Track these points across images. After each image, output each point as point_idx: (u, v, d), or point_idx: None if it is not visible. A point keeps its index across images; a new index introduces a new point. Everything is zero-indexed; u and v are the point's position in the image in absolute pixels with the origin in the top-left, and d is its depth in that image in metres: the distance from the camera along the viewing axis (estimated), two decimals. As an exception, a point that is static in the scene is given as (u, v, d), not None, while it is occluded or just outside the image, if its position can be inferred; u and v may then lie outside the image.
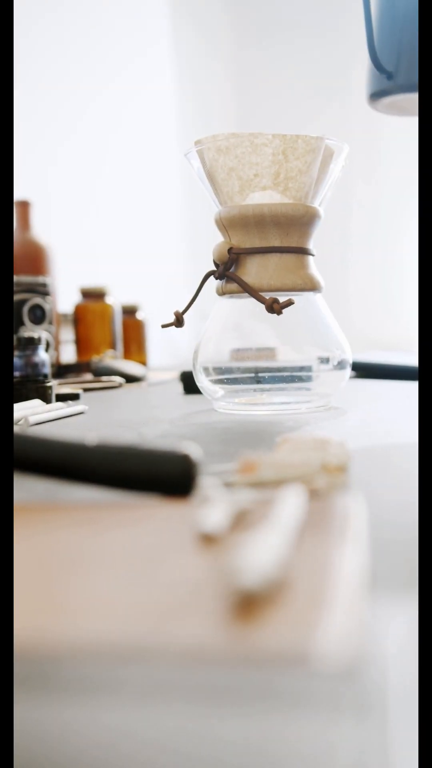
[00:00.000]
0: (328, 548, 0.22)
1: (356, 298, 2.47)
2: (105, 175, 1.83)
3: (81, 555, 0.23)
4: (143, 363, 1.49)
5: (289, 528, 0.23)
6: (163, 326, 0.70)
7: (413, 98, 0.75)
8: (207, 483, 0.32)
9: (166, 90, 2.21)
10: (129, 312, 1.49)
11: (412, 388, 0.86)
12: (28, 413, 0.62)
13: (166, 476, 0.32)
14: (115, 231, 1.85)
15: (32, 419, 0.60)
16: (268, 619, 0.17)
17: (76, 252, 1.60)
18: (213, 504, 0.27)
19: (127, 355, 1.46)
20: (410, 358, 1.14)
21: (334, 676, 0.15)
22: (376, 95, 0.77)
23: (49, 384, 0.75)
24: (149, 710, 0.14)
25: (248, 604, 0.18)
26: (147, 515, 0.28)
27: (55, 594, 0.20)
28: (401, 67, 0.74)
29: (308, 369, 0.69)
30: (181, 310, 0.69)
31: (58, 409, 0.67)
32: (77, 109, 1.73)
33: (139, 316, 1.51)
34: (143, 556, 0.23)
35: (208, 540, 0.24)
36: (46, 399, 0.74)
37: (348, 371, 0.69)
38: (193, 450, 0.32)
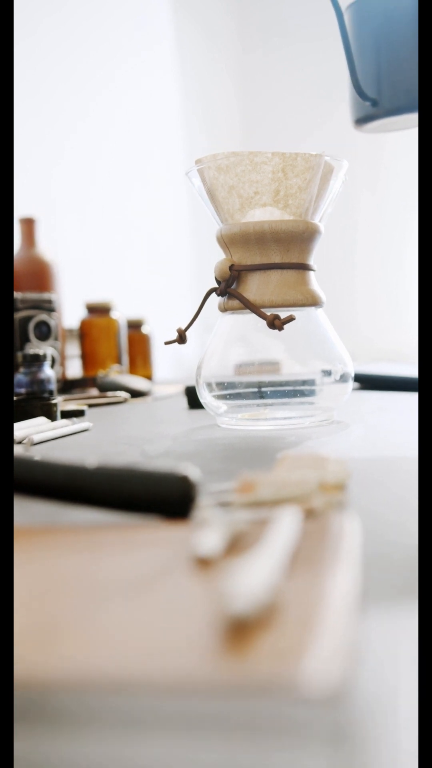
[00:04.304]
0: (321, 573, 0.22)
1: (363, 307, 2.47)
2: (109, 190, 1.84)
3: (78, 581, 0.24)
4: (149, 377, 1.49)
5: (281, 553, 0.23)
6: (167, 343, 0.70)
7: (396, 119, 0.79)
8: (204, 505, 0.32)
9: (170, 103, 2.22)
10: (134, 326, 1.49)
11: (415, 400, 0.86)
12: (31, 432, 0.62)
13: (165, 498, 0.32)
14: (120, 245, 1.86)
15: (36, 438, 0.60)
16: (257, 646, 0.17)
17: (81, 267, 1.62)
18: (209, 527, 0.27)
19: (133, 368, 1.47)
20: (414, 369, 1.14)
21: (321, 705, 0.15)
22: (361, 120, 0.80)
23: (54, 401, 0.76)
24: (139, 740, 0.14)
25: (239, 629, 0.18)
26: (145, 539, 0.28)
27: (50, 623, 0.20)
28: (383, 94, 0.77)
29: (311, 383, 0.70)
30: (183, 327, 0.70)
31: (62, 426, 0.68)
32: (81, 124, 1.75)
33: (145, 330, 1.51)
34: (140, 582, 0.23)
35: (203, 564, 0.24)
36: (51, 416, 0.75)
37: (350, 385, 0.69)
38: (191, 471, 0.33)
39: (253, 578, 0.20)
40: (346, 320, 2.39)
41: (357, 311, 2.47)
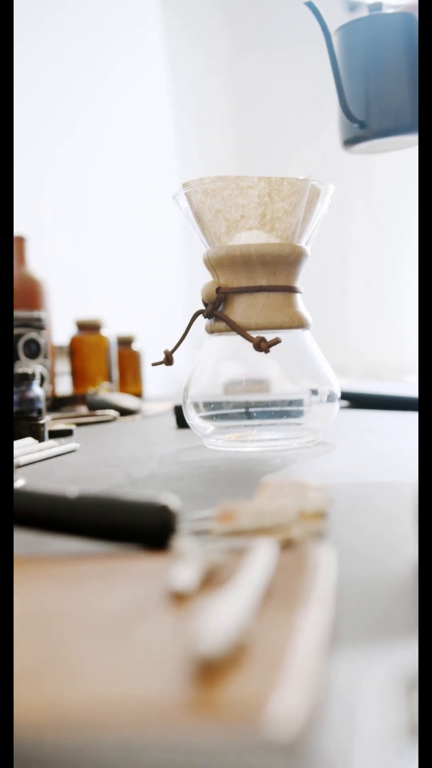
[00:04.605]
0: (292, 611, 0.22)
1: (357, 321, 2.48)
2: (100, 205, 1.85)
3: (50, 617, 0.24)
4: (139, 393, 1.49)
5: (253, 590, 0.23)
6: (154, 364, 0.71)
7: (384, 141, 0.80)
8: (183, 535, 0.32)
9: (161, 112, 2.22)
10: (124, 343, 1.50)
11: (402, 418, 0.87)
12: (18, 453, 0.62)
13: (144, 528, 0.33)
14: (111, 261, 1.87)
15: (22, 460, 0.60)
16: (223, 690, 0.18)
17: (71, 284, 1.62)
18: (186, 559, 0.28)
19: (123, 385, 1.47)
20: (401, 387, 1.15)
21: (283, 751, 0.15)
22: (349, 142, 0.81)
23: (42, 421, 0.76)
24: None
25: (207, 671, 0.19)
26: (122, 571, 0.29)
27: (26, 660, 0.21)
28: (371, 116, 0.79)
29: (298, 404, 0.70)
30: (171, 349, 0.70)
31: (49, 448, 0.68)
32: (70, 137, 1.75)
33: (135, 346, 1.52)
34: (112, 619, 0.23)
35: (178, 599, 0.25)
36: (39, 437, 0.75)
37: (336, 406, 0.69)
38: (171, 501, 0.33)
39: (222, 619, 0.20)
40: (340, 334, 2.40)
41: (350, 325, 2.48)
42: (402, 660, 0.20)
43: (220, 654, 0.19)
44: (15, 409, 0.89)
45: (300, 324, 0.68)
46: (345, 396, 1.04)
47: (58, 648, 0.21)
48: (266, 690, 0.17)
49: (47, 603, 0.25)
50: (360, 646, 0.21)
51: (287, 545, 0.32)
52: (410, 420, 0.85)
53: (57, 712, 0.17)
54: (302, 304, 0.70)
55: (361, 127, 0.81)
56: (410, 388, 1.13)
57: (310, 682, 0.18)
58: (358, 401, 1.05)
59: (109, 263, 1.86)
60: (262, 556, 0.27)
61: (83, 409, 1.19)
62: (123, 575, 0.28)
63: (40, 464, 0.64)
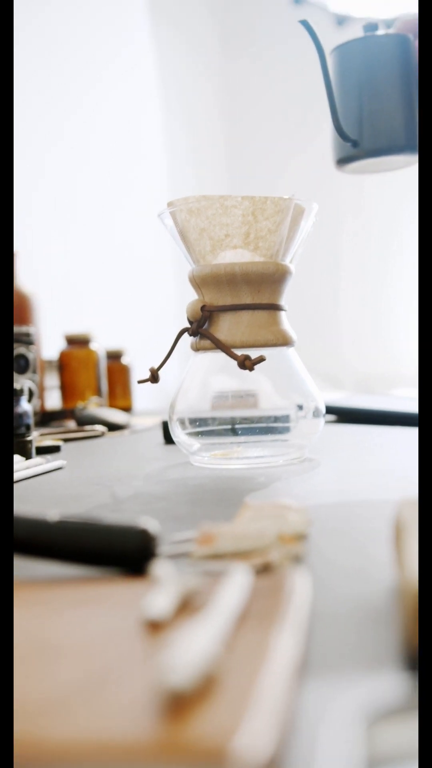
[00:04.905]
0: (264, 640, 0.23)
1: (348, 332, 2.49)
2: (89, 218, 1.85)
3: (22, 643, 0.24)
4: (128, 407, 1.50)
5: (225, 620, 0.23)
6: (140, 382, 0.71)
7: (376, 161, 0.80)
8: (161, 561, 0.33)
9: (152, 128, 2.23)
10: (114, 357, 1.50)
11: (387, 433, 0.87)
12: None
13: (124, 552, 0.33)
14: (100, 275, 1.87)
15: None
16: (191, 722, 0.18)
17: (60, 298, 1.62)
18: (162, 586, 0.28)
19: (112, 399, 1.47)
20: (387, 401, 1.16)
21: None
22: (342, 161, 0.81)
23: (29, 438, 0.76)
24: None
25: (176, 703, 0.19)
26: (99, 597, 0.29)
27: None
28: (364, 135, 0.79)
29: (283, 420, 0.71)
30: (156, 366, 0.71)
31: (35, 465, 0.68)
32: (57, 149, 1.76)
33: (124, 360, 1.52)
34: (85, 647, 0.24)
35: (153, 627, 0.25)
36: (26, 454, 0.75)
37: (322, 421, 0.70)
38: (151, 525, 0.34)
39: (192, 651, 0.20)
40: (332, 347, 2.40)
41: (342, 337, 2.48)
42: (367, 692, 0.20)
43: (189, 687, 0.19)
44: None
45: (285, 341, 0.68)
46: (331, 410, 1.05)
47: (29, 681, 0.21)
48: (233, 724, 0.18)
49: (23, 631, 0.26)
50: (328, 676, 0.22)
51: (265, 569, 0.33)
52: (395, 435, 0.86)
53: (26, 750, 0.17)
54: (287, 321, 0.70)
55: (354, 147, 0.81)
56: (397, 402, 1.14)
57: (277, 715, 0.18)
58: (344, 415, 1.06)
59: (98, 277, 1.86)
60: (237, 583, 0.27)
61: (72, 424, 1.19)
62: (100, 602, 0.28)
63: (25, 482, 0.64)
